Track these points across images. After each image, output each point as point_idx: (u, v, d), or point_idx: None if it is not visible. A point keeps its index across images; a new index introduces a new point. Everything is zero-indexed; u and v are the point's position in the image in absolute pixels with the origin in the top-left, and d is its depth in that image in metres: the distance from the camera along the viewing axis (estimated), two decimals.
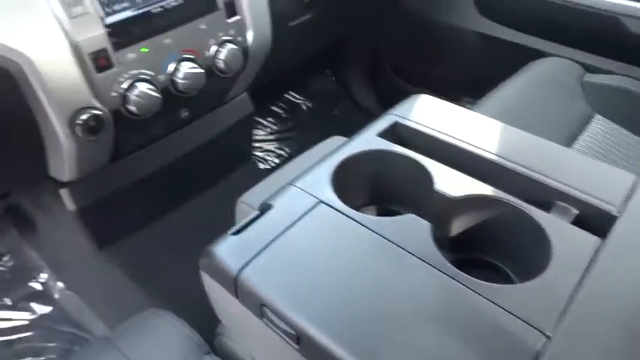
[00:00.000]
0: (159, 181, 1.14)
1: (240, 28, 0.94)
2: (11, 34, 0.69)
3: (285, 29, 1.09)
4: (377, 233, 0.55)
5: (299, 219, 0.58)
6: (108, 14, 0.77)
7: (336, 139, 0.80)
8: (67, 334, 1.29)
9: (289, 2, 1.07)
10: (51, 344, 1.28)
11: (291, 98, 1.92)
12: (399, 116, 0.72)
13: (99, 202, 1.05)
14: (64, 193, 1.02)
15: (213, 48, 0.91)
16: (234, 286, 0.53)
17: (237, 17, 0.92)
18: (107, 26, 0.77)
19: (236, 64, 0.93)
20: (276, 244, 0.55)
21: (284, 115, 1.87)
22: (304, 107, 1.91)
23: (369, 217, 0.57)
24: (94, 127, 0.79)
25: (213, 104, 1.09)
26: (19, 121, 0.77)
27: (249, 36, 0.96)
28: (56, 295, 1.33)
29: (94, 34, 0.76)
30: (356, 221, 0.57)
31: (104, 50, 0.77)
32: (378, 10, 1.61)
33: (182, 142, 1.14)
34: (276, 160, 1.73)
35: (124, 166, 1.03)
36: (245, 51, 0.95)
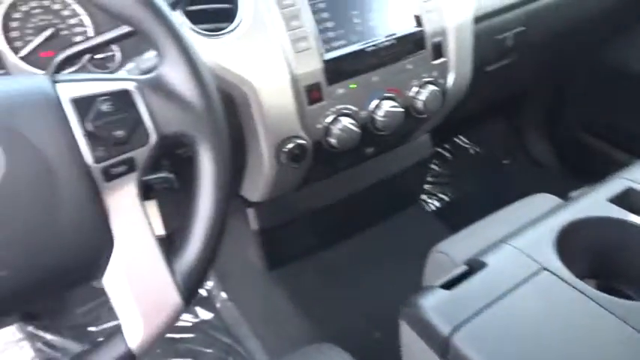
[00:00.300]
0: (333, 212, 1.15)
1: (443, 70, 0.92)
2: (245, 64, 0.74)
3: (482, 73, 1.05)
4: (618, 317, 0.47)
5: (519, 284, 0.53)
6: (327, 50, 0.80)
7: (547, 198, 0.73)
8: (223, 343, 1.35)
9: (492, 46, 1.03)
10: (208, 350, 1.35)
11: (459, 142, 1.85)
12: (634, 182, 0.64)
13: (278, 225, 1.09)
14: (250, 212, 1.08)
15: (415, 88, 0.90)
16: (444, 346, 0.49)
17: (442, 59, 0.91)
18: (325, 62, 0.80)
19: (434, 106, 0.91)
20: (494, 308, 0.50)
21: (450, 158, 1.82)
22: (472, 152, 1.84)
23: (611, 298, 0.50)
24: (297, 155, 0.83)
25: (398, 142, 1.08)
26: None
27: (450, 78, 0.94)
28: (218, 304, 1.41)
29: (312, 69, 0.79)
30: (592, 299, 0.50)
31: (318, 84, 0.80)
32: (575, 60, 1.49)
33: (360, 176, 1.15)
34: (437, 204, 1.67)
35: (305, 194, 1.06)
36: (444, 93, 0.93)
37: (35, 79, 0.47)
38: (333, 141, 0.85)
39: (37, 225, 0.44)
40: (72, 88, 0.46)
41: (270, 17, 0.76)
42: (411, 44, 0.88)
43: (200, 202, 0.52)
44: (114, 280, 0.49)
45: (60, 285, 0.49)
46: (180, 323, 1.40)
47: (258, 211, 1.09)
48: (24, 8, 0.76)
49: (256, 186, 0.94)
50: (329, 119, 0.84)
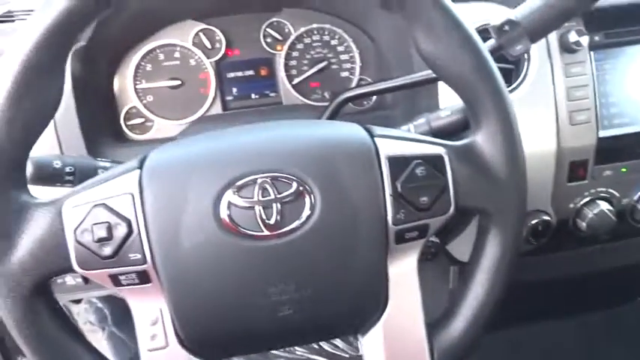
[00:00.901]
0: (540, 287, 1.05)
1: None
2: None
3: None
4: None
5: None
6: (604, 127, 0.72)
7: None
8: None
9: None
10: None
11: None
12: None
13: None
14: (452, 271, 1.03)
15: None
16: None
17: None
18: (599, 139, 0.72)
19: None
20: None
21: None
22: None
23: None
24: (538, 232, 0.76)
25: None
26: None
27: None
28: None
29: (584, 144, 0.72)
30: None
31: (586, 162, 0.72)
32: None
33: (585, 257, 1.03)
34: None
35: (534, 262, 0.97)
36: None
37: (353, 129, 0.47)
38: (582, 224, 0.76)
39: (331, 272, 0.44)
40: (389, 145, 0.46)
41: (553, 83, 0.70)
42: None
43: (475, 282, 0.48)
44: (373, 340, 0.48)
45: (325, 332, 0.49)
46: None
47: (461, 271, 1.04)
48: (307, 41, 0.81)
49: (470, 247, 0.88)
50: (585, 200, 0.75)
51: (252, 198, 0.42)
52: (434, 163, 0.45)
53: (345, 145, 0.45)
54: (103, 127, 0.74)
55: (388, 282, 0.46)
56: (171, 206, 0.41)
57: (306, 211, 0.43)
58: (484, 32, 0.57)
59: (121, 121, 0.78)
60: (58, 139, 0.65)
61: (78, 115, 0.66)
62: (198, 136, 0.48)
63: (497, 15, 0.68)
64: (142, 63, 0.78)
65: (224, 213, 0.42)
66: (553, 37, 0.70)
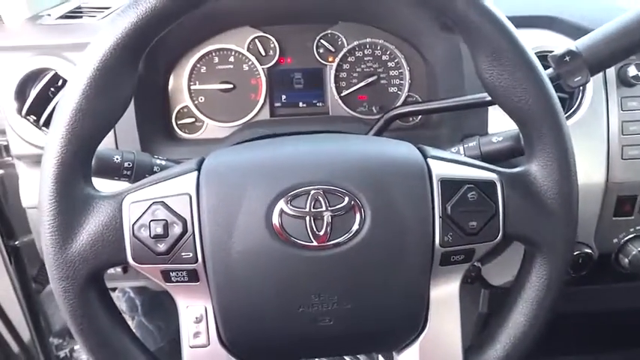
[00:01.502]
0: (570, 319, 1.03)
1: None
2: None
3: None
4: None
5: None
6: None
7: None
8: None
9: None
10: None
11: None
12: None
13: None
14: (484, 294, 1.02)
15: None
16: None
17: None
18: None
19: None
20: None
21: None
22: None
23: None
24: (579, 264, 0.74)
25: None
26: None
27: None
28: None
29: (635, 180, 0.70)
30: None
31: (635, 197, 0.71)
32: None
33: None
34: None
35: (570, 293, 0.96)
36: None
37: (407, 148, 0.48)
38: (625, 260, 0.75)
39: (373, 288, 0.45)
40: (442, 167, 0.46)
41: (606, 116, 0.69)
42: None
43: (517, 311, 0.48)
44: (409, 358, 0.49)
45: (362, 346, 0.49)
46: None
47: (493, 295, 1.02)
48: (358, 54, 0.82)
49: (505, 273, 0.87)
50: (630, 236, 0.74)
51: (304, 208, 0.43)
52: (485, 188, 0.46)
53: (398, 164, 0.46)
54: (156, 124, 0.76)
55: (429, 303, 0.47)
56: (225, 209, 0.43)
57: (356, 226, 0.43)
58: (541, 59, 0.57)
59: (173, 120, 0.80)
60: (115, 133, 0.68)
61: (136, 112, 0.68)
62: (256, 142, 0.49)
63: (555, 43, 0.68)
64: (198, 65, 0.80)
65: (276, 220, 0.43)
66: (611, 69, 0.69)
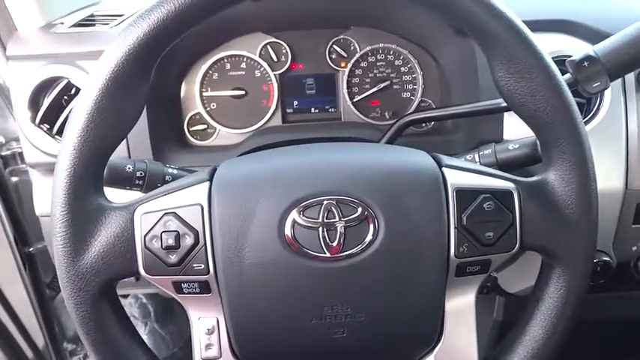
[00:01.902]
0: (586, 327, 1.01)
1: None
2: None
3: None
4: None
5: None
6: None
7: None
8: None
9: None
10: None
11: None
12: None
13: None
14: (499, 301, 1.00)
15: None
16: None
17: None
18: None
19: None
20: None
21: None
22: None
23: None
24: (597, 272, 0.73)
25: None
26: None
27: None
28: None
29: None
30: None
31: None
32: None
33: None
34: None
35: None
36: None
37: (421, 157, 0.47)
38: None
39: (387, 300, 0.44)
40: (458, 176, 0.45)
41: (625, 122, 0.68)
42: None
43: (535, 324, 0.47)
44: None
45: (376, 359, 0.49)
46: None
47: (508, 302, 1.00)
48: (371, 59, 0.81)
49: (521, 280, 0.86)
50: None
51: (317, 219, 0.42)
52: (502, 198, 0.45)
53: (412, 174, 0.45)
54: (168, 131, 0.76)
55: (444, 315, 0.46)
56: (237, 221, 0.42)
57: (369, 237, 0.43)
58: (558, 64, 0.56)
59: (185, 127, 0.80)
60: (127, 141, 0.68)
61: (148, 120, 0.68)
62: (268, 151, 0.49)
63: (572, 47, 0.66)
64: (210, 71, 0.79)
65: (288, 231, 0.42)
66: (630, 74, 0.68)
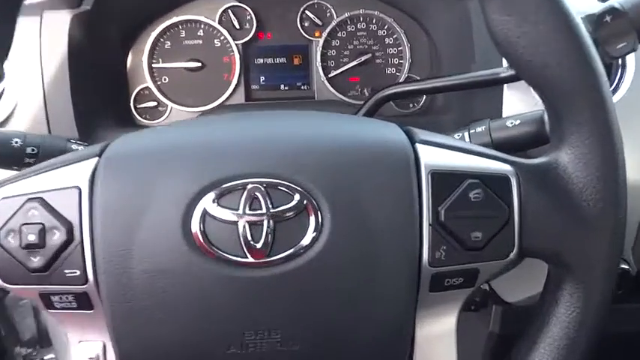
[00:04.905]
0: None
1: None
2: None
3: None
4: None
5: None
6: None
7: None
8: None
9: None
10: None
11: None
12: None
13: None
14: (496, 311, 0.89)
15: None
16: None
17: None
18: None
19: None
20: None
21: None
22: None
23: None
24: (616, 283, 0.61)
25: None
26: None
27: None
28: None
29: None
30: None
31: None
32: None
33: None
34: None
35: None
36: None
37: (387, 129, 0.35)
38: None
39: (332, 323, 0.32)
40: (435, 154, 0.33)
41: None
42: None
43: (540, 353, 0.35)
44: None
45: None
46: None
47: (505, 312, 0.88)
48: (350, 28, 0.70)
49: (523, 287, 0.74)
50: None
51: (237, 210, 0.31)
52: (495, 185, 0.33)
53: (373, 150, 0.33)
54: (107, 107, 0.65)
55: (414, 345, 0.34)
56: (127, 210, 0.31)
57: (309, 236, 0.31)
58: None
59: (131, 103, 0.69)
60: (47, 116, 0.56)
61: (72, 91, 0.57)
62: (186, 121, 0.37)
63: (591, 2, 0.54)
64: (161, 39, 0.69)
65: (196, 226, 0.31)
66: None
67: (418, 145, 0.34)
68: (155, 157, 0.32)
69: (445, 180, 0.32)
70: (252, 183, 0.31)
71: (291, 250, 0.31)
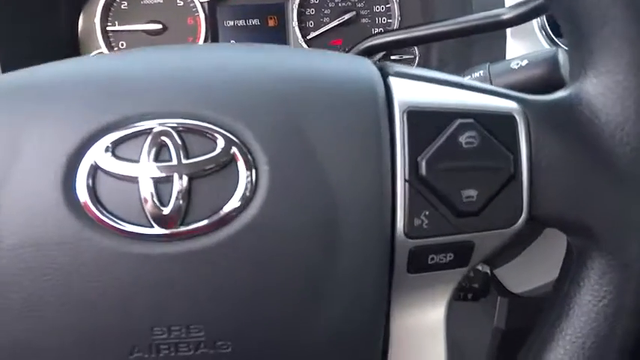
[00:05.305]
0: None
1: None
2: None
3: None
4: None
5: None
6: None
7: None
8: None
9: None
10: None
11: None
12: None
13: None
14: (501, 303, 0.81)
15: None
16: None
17: None
18: None
19: None
20: None
21: None
22: None
23: None
24: None
25: None
26: None
27: None
28: None
29: None
30: None
31: None
32: None
33: None
34: None
35: None
36: None
37: (352, 61, 0.27)
38: None
39: (274, 313, 0.24)
40: (413, 89, 0.25)
41: None
42: None
43: (559, 353, 0.27)
44: None
45: None
46: None
47: (512, 306, 0.80)
48: None
49: (530, 274, 0.66)
50: None
51: (137, 161, 0.22)
52: (496, 126, 0.24)
53: (329, 82, 0.25)
54: None
55: (388, 342, 0.26)
56: None
57: (238, 196, 0.23)
58: None
59: None
60: None
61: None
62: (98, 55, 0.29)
63: None
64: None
65: (82, 186, 0.22)
66: None
67: (392, 79, 0.25)
68: (32, 92, 0.24)
69: (427, 121, 0.24)
70: (161, 125, 0.23)
71: (214, 217, 0.22)
